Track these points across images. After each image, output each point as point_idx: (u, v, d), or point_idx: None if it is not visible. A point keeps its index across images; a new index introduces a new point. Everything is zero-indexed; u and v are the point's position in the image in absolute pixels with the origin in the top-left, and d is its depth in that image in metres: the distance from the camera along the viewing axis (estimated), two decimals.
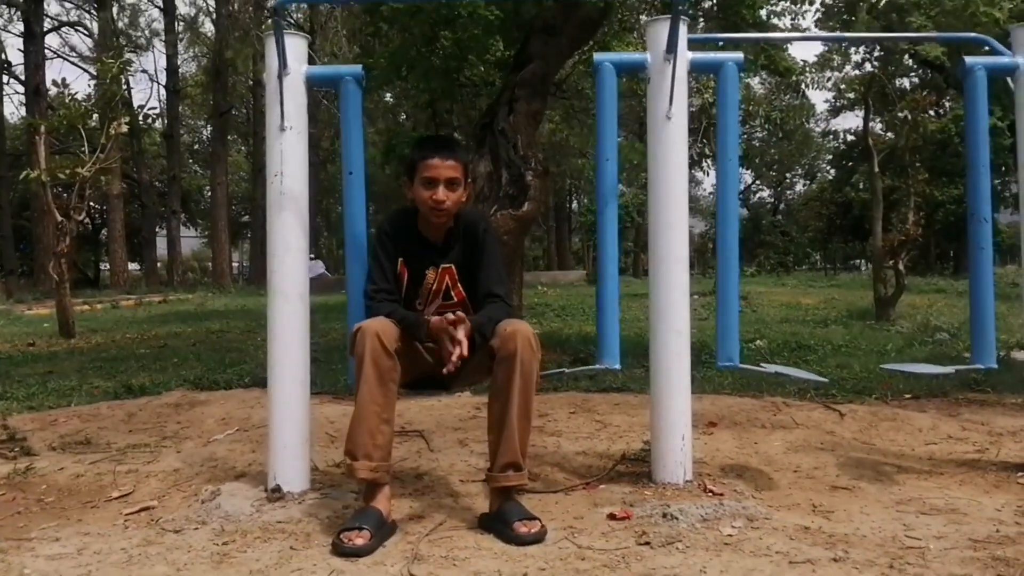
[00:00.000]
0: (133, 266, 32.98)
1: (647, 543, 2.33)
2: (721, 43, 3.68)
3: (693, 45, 3.04)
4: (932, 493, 2.83)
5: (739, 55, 3.04)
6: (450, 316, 2.55)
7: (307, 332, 2.92)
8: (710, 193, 41.41)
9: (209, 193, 36.06)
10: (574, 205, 45.13)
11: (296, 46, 2.92)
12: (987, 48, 3.23)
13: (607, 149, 3.09)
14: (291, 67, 2.88)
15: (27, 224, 27.32)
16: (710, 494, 2.78)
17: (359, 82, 2.97)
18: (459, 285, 2.80)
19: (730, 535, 2.39)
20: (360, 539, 2.31)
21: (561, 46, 6.49)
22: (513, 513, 2.44)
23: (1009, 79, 3.14)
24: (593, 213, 3.40)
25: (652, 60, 2.96)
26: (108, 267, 32.03)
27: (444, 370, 2.55)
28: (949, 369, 3.26)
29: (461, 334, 2.51)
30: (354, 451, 2.48)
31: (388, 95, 14.52)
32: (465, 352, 2.51)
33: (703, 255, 35.69)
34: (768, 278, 28.08)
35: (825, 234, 39.28)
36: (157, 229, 33.43)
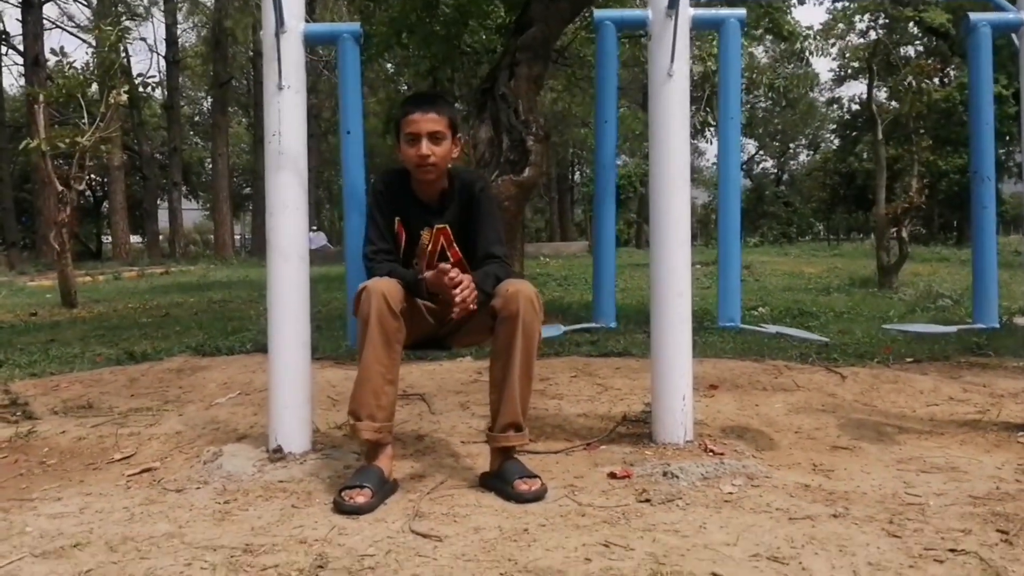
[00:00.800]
0: (135, 238, 32.97)
1: (647, 500, 2.34)
2: (722, 3, 3.63)
3: (695, 4, 3.00)
4: (933, 452, 2.84)
5: (741, 12, 3.01)
6: (444, 266, 2.48)
7: (307, 291, 2.91)
8: (713, 164, 41.19)
9: (210, 165, 35.95)
10: (576, 176, 44.99)
11: (293, 3, 2.88)
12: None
13: (607, 109, 3.06)
14: (288, 25, 2.84)
15: (28, 197, 27.29)
16: (711, 453, 2.79)
17: (357, 40, 2.94)
18: (455, 245, 2.74)
19: (730, 493, 2.39)
20: (361, 497, 2.31)
21: (562, 10, 6.41)
22: (514, 471, 2.44)
23: (1014, 35, 3.10)
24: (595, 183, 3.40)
25: (654, 16, 2.92)
26: (110, 240, 32.06)
27: (452, 315, 2.51)
28: (951, 328, 3.25)
29: (461, 275, 2.47)
30: (358, 411, 2.47)
31: (389, 64, 14.40)
32: (470, 287, 2.46)
33: (706, 226, 35.58)
34: (771, 248, 27.99)
35: (828, 204, 39.12)
36: (159, 201, 33.38)
